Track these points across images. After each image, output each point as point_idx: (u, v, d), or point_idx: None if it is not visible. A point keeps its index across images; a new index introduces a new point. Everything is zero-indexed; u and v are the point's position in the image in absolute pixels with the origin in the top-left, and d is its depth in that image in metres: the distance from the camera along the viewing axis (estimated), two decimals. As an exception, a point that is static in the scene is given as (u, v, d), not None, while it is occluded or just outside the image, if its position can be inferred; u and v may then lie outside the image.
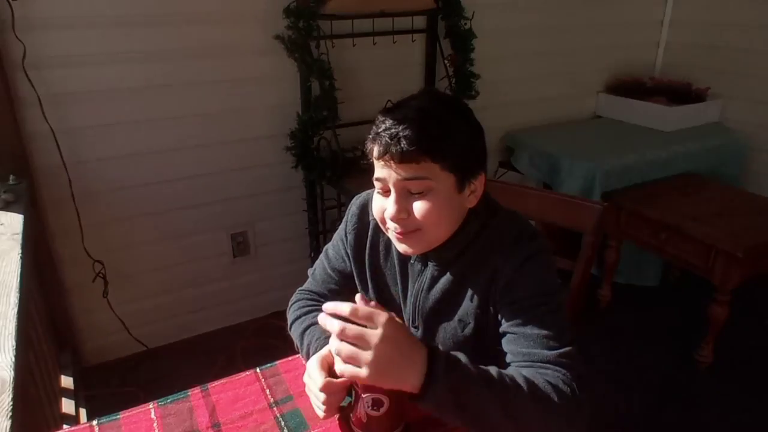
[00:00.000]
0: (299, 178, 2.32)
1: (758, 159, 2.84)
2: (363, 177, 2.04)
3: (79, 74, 1.85)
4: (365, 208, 1.08)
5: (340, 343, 0.74)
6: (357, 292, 1.11)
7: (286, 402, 0.93)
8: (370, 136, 0.89)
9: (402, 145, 0.82)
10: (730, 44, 2.86)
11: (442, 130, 0.85)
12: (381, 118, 0.88)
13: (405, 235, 0.90)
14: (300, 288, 1.14)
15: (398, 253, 0.99)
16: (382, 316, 0.74)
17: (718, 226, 2.11)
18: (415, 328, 1.04)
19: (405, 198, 0.87)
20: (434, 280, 0.99)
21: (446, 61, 2.37)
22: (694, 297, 2.40)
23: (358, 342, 0.73)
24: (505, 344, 0.91)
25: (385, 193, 0.90)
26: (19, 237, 1.39)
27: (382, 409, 0.82)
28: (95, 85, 1.88)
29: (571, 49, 2.90)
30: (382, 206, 0.90)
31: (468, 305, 0.96)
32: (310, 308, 1.05)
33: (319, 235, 2.39)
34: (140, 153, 2.03)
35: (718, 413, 1.99)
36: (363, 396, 0.82)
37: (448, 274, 0.97)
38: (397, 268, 1.04)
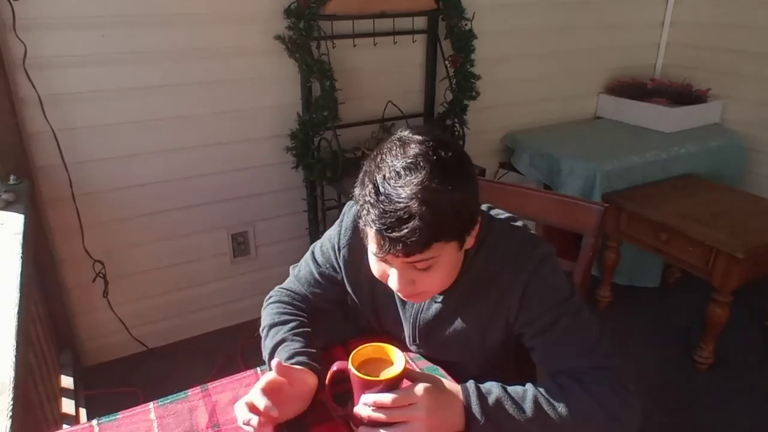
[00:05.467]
0: (299, 179, 2.32)
1: (758, 160, 2.84)
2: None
3: (80, 74, 1.85)
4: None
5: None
6: (344, 300, 1.08)
7: (286, 402, 0.93)
8: (363, 220, 0.80)
9: (409, 247, 0.76)
10: (731, 45, 2.86)
11: (446, 215, 0.77)
12: (372, 200, 0.77)
13: (411, 297, 0.90)
14: (280, 285, 1.10)
15: None
16: (418, 390, 0.78)
17: (718, 228, 2.11)
18: (416, 345, 1.02)
19: (409, 272, 0.83)
20: (434, 297, 0.96)
21: (447, 62, 2.37)
22: (694, 298, 2.40)
23: (409, 420, 0.77)
24: (536, 357, 0.92)
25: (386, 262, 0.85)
26: (20, 237, 1.39)
27: (382, 410, 0.81)
28: (96, 85, 1.88)
29: (572, 50, 2.90)
30: (383, 272, 0.87)
31: (472, 321, 0.94)
32: (288, 317, 1.00)
33: (319, 236, 2.39)
34: (141, 153, 2.03)
35: (718, 415, 1.99)
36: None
37: (449, 292, 0.94)
38: None
